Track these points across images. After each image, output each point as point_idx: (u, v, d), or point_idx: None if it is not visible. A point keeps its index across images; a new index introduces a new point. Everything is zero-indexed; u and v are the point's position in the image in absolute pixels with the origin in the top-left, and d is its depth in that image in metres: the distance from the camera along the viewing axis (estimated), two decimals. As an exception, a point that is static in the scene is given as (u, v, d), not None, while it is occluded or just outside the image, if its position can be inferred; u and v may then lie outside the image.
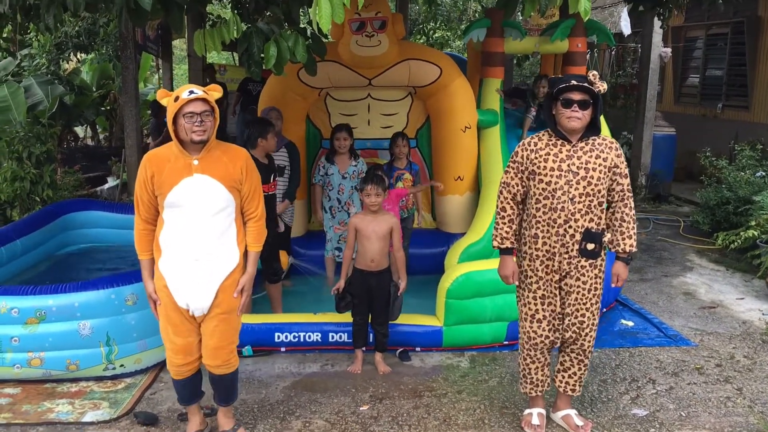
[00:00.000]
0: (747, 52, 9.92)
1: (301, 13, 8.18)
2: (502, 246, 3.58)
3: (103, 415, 3.85)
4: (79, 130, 12.66)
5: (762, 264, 6.04)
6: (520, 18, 7.98)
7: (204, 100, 3.16)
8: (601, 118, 4.25)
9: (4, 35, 10.45)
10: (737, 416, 3.94)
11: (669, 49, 10.34)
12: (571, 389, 3.74)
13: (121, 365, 4.25)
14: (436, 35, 15.86)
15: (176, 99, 3.15)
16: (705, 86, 11.23)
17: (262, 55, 4.09)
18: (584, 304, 3.54)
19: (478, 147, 5.96)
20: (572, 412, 3.79)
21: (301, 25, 4.51)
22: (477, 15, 14.16)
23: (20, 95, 8.11)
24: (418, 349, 4.74)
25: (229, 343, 3.44)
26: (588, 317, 3.56)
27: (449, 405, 4.04)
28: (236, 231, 3.38)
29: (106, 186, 9.36)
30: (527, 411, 3.82)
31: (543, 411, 3.80)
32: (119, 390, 4.16)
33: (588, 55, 9.38)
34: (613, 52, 12.36)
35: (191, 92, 3.15)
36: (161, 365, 4.44)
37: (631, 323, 5.32)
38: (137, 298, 4.21)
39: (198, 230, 3.26)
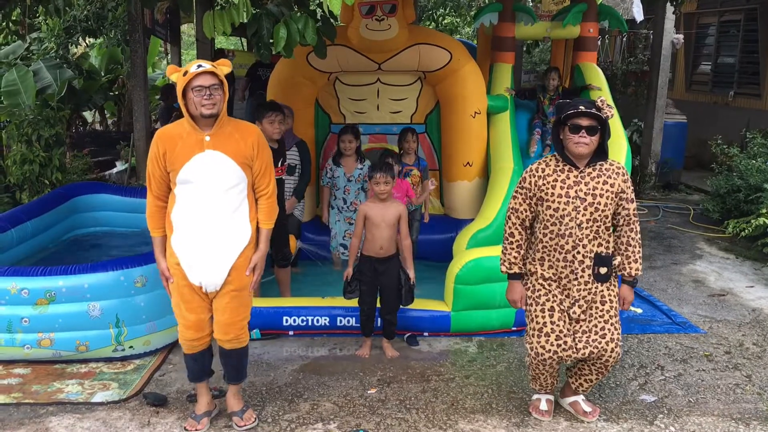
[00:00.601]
0: (760, 40, 9.82)
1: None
2: (510, 271, 3.57)
3: (112, 396, 3.88)
4: (88, 115, 12.67)
5: (772, 252, 6.01)
6: (531, 3, 7.92)
7: (212, 74, 3.17)
8: (612, 106, 4.21)
9: (14, 18, 10.44)
10: (746, 403, 3.92)
11: (681, 36, 10.23)
12: (583, 390, 3.73)
13: (131, 347, 4.27)
14: (446, 21, 15.77)
15: (185, 74, 3.15)
16: (717, 74, 11.13)
17: (272, 38, 4.07)
18: (601, 317, 3.47)
19: (487, 133, 5.93)
20: (580, 398, 3.78)
21: (311, 8, 4.47)
22: (486, 1, 14.06)
23: (29, 79, 8.12)
24: (426, 333, 4.74)
25: (240, 319, 3.47)
26: (609, 330, 3.47)
27: (457, 389, 4.04)
28: (248, 207, 3.39)
29: (115, 170, 9.39)
30: (535, 396, 3.82)
31: (551, 397, 3.80)
32: (128, 371, 4.18)
33: (599, 41, 9.29)
34: (624, 39, 12.25)
35: (199, 66, 3.16)
36: (170, 347, 4.46)
37: (639, 310, 5.30)
38: (146, 280, 4.22)
39: (210, 206, 3.27)
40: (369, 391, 3.99)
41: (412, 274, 4.42)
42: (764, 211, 6.51)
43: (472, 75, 5.82)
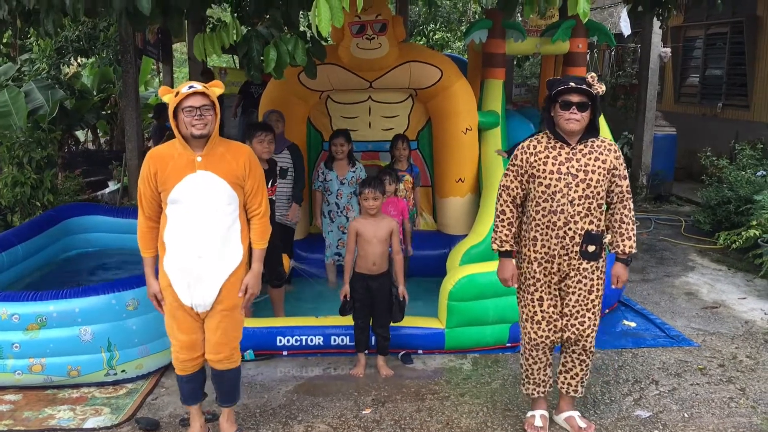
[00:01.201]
0: (746, 52, 9.91)
1: (301, 17, 8.18)
2: (502, 249, 3.58)
3: (104, 421, 3.85)
4: (80, 134, 12.67)
5: (764, 263, 6.03)
6: (520, 19, 7.98)
7: (203, 95, 3.18)
8: (602, 118, 4.24)
9: (5, 40, 10.46)
10: (740, 417, 3.93)
11: (668, 49, 10.33)
12: (573, 390, 3.73)
13: (123, 371, 4.24)
14: (436, 37, 15.87)
15: (177, 94, 3.17)
16: (705, 86, 11.22)
17: (262, 58, 4.09)
18: (585, 305, 3.53)
19: (479, 149, 5.96)
20: (575, 413, 3.78)
21: (301, 29, 4.50)
22: (477, 16, 14.16)
23: (21, 100, 8.11)
24: (420, 351, 4.73)
25: (231, 339, 3.46)
26: (589, 317, 3.55)
27: (452, 408, 4.03)
28: (240, 228, 3.39)
29: (107, 190, 9.36)
30: (530, 413, 3.81)
31: (546, 413, 3.79)
32: (121, 396, 4.15)
33: (588, 56, 9.37)
34: (612, 53, 12.35)
35: (191, 87, 3.18)
36: (162, 370, 4.43)
37: (633, 324, 5.31)
38: (138, 303, 4.20)
39: (202, 227, 3.27)
40: (364, 412, 3.97)
41: (402, 289, 4.41)
42: (754, 222, 6.54)
43: (463, 92, 5.85)
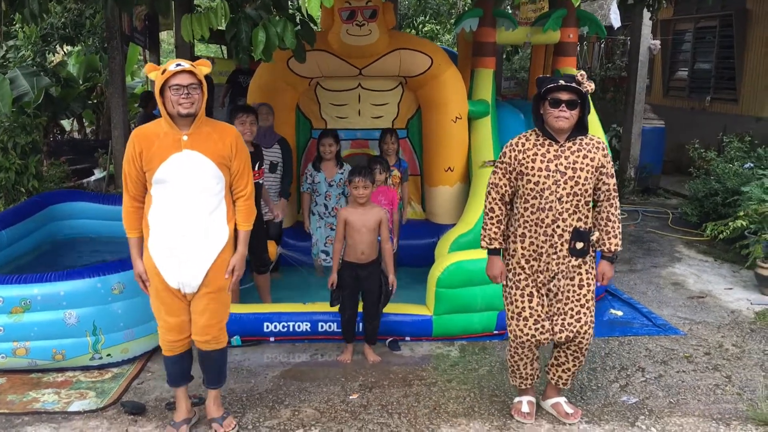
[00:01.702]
0: (735, 45, 9.96)
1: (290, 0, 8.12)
2: (491, 246, 3.57)
3: (89, 405, 3.81)
4: (66, 123, 12.53)
5: (750, 254, 6.06)
6: (510, 10, 7.96)
7: (191, 73, 3.15)
8: (593, 113, 4.21)
9: (-11, 26, 10.32)
10: (726, 403, 3.95)
11: (658, 42, 10.36)
12: (563, 383, 3.74)
13: (108, 355, 4.21)
14: (426, 29, 15.83)
15: (163, 72, 3.13)
16: (694, 79, 11.27)
17: (251, 42, 4.04)
18: (578, 301, 3.51)
19: (469, 138, 5.94)
20: (562, 399, 3.79)
21: (290, 12, 4.46)
22: (466, 8, 14.13)
23: (5, 86, 8.03)
24: (407, 338, 4.72)
25: (218, 320, 3.44)
26: (584, 314, 3.52)
27: (439, 393, 4.02)
28: (226, 208, 3.36)
29: (93, 178, 9.28)
30: (517, 399, 3.82)
31: (533, 399, 3.80)
32: (106, 380, 4.12)
33: (578, 47, 9.37)
34: (602, 45, 12.38)
35: (178, 65, 3.15)
36: (149, 354, 4.40)
37: (620, 313, 5.33)
38: (124, 287, 4.16)
39: (187, 207, 3.24)
40: (351, 397, 3.96)
41: (392, 278, 4.40)
42: (741, 213, 6.57)
43: (453, 80, 5.83)
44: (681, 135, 10.32)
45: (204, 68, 3.21)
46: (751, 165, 7.40)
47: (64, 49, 11.89)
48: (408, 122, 6.25)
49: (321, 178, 5.64)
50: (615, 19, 9.67)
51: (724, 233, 6.63)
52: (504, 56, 11.77)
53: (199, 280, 3.32)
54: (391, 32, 5.66)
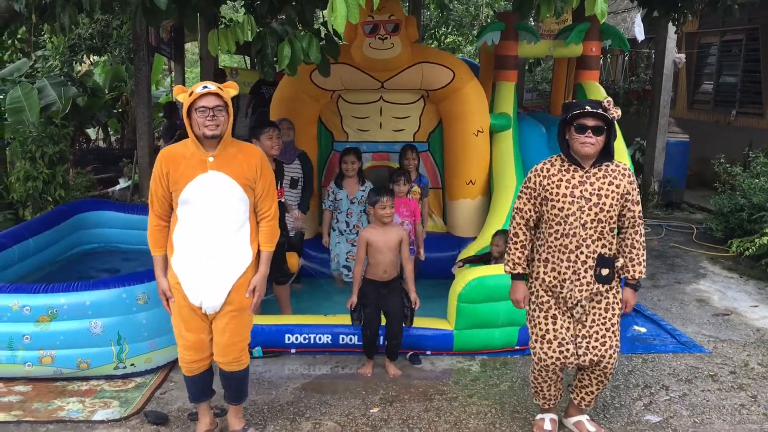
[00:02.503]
0: (761, 59, 9.86)
1: (315, 15, 8.19)
2: (514, 272, 3.55)
3: (113, 414, 3.85)
4: (91, 132, 12.73)
5: (776, 271, 5.99)
6: (532, 22, 7.96)
7: (217, 95, 3.18)
8: (618, 135, 4.13)
9: (19, 36, 10.53)
10: (751, 424, 3.89)
11: (683, 56, 10.28)
12: (585, 404, 3.70)
13: (132, 364, 4.25)
14: (448, 40, 15.86)
15: (191, 94, 3.18)
16: (719, 93, 11.17)
17: (276, 56, 4.09)
18: (603, 324, 3.46)
19: (490, 151, 5.94)
20: (584, 417, 3.75)
21: (315, 27, 4.50)
22: (489, 20, 14.15)
23: (34, 96, 8.15)
24: (428, 352, 4.71)
25: (240, 340, 3.44)
26: (609, 337, 3.47)
27: (460, 408, 4.01)
28: (249, 229, 3.38)
29: (118, 187, 9.40)
30: (539, 416, 3.79)
31: (555, 416, 3.77)
32: (129, 389, 4.16)
33: (601, 60, 9.34)
34: (626, 58, 12.31)
35: (205, 87, 3.19)
36: (171, 365, 4.44)
37: (643, 329, 5.27)
38: (148, 298, 4.21)
39: (211, 227, 3.26)
40: (371, 410, 3.96)
41: (414, 296, 4.40)
42: (767, 230, 6.49)
43: (475, 94, 5.84)
44: (705, 149, 10.22)
45: (231, 90, 3.24)
46: (778, 181, 7.31)
47: (91, 59, 12.08)
48: (429, 135, 6.26)
49: (343, 195, 5.65)
50: (639, 32, 9.63)
51: (750, 250, 6.55)
52: (526, 67, 11.78)
53: (221, 299, 3.33)
54: (413, 45, 5.69)
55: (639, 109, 11.23)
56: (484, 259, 4.98)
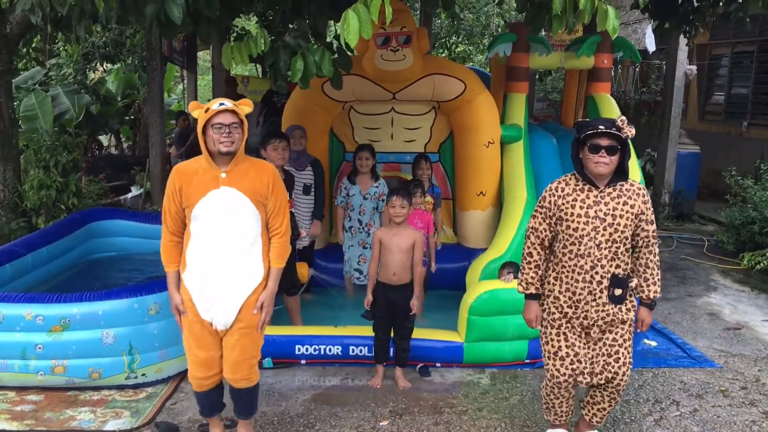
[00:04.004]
0: (773, 71, 9.83)
1: (328, 28, 8.24)
2: (527, 292, 3.54)
3: (124, 424, 3.87)
4: (103, 139, 12.82)
5: (788, 286, 5.95)
6: (543, 33, 7.97)
7: (233, 112, 3.20)
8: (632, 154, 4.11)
9: (34, 45, 10.63)
10: (764, 441, 3.87)
11: (694, 67, 10.26)
12: (597, 421, 3.69)
13: (143, 374, 4.28)
14: (459, 49, 15.88)
15: (206, 111, 3.20)
16: (730, 104, 11.14)
17: (289, 69, 4.12)
18: (616, 341, 3.45)
19: (501, 162, 5.95)
20: (595, 432, 3.74)
21: (328, 41, 4.53)
22: (500, 30, 14.18)
23: (47, 104, 8.23)
24: (438, 364, 4.71)
25: (249, 357, 3.44)
26: (623, 354, 3.46)
27: (469, 422, 4.00)
28: (261, 246, 3.39)
29: (130, 195, 9.47)
30: (549, 431, 3.78)
31: (565, 431, 3.75)
32: (141, 399, 4.18)
33: (612, 72, 9.34)
34: (637, 69, 12.29)
35: (221, 104, 3.20)
36: (182, 375, 4.45)
37: (654, 343, 5.25)
38: (160, 308, 4.23)
39: (223, 243, 3.28)
40: (381, 423, 3.96)
41: (414, 301, 4.38)
42: (780, 243, 6.46)
43: (486, 105, 5.85)
44: (717, 160, 10.18)
45: (246, 108, 3.26)
46: (790, 193, 7.27)
47: (104, 67, 12.19)
48: (440, 146, 6.27)
49: (356, 191, 5.67)
50: (650, 43, 9.63)
51: (762, 264, 6.52)
52: (537, 77, 11.77)
53: (232, 316, 3.34)
54: (425, 57, 5.71)
55: (650, 120, 11.21)
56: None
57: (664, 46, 10.50)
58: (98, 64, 11.39)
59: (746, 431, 3.97)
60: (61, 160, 6.95)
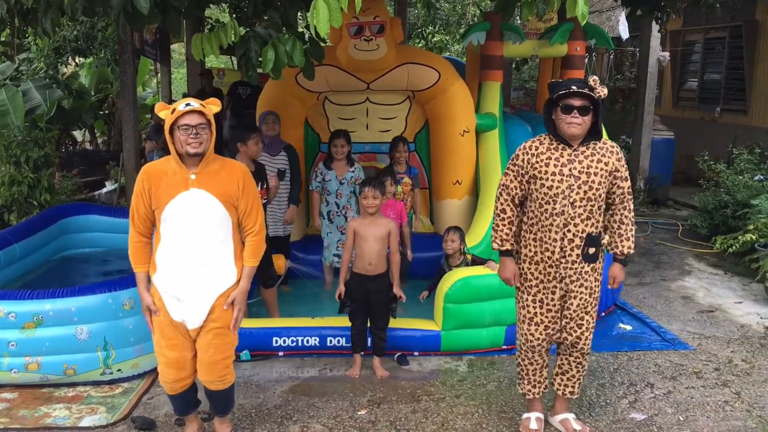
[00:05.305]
0: (745, 56, 9.95)
1: (299, 18, 8.18)
2: (502, 248, 3.57)
3: (100, 420, 3.84)
4: (78, 134, 12.65)
5: (760, 268, 6.04)
6: (518, 21, 7.99)
7: (200, 113, 3.13)
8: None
9: (2, 39, 10.45)
10: (735, 420, 3.93)
11: (667, 53, 10.35)
12: (569, 392, 3.74)
13: (119, 370, 4.24)
14: (435, 39, 15.88)
15: (173, 111, 3.14)
16: (703, 90, 11.25)
17: (260, 59, 4.09)
18: (584, 307, 3.53)
19: (476, 151, 5.96)
20: (570, 416, 3.79)
21: (299, 29, 4.50)
22: (476, 19, 14.18)
23: (18, 99, 8.09)
24: (416, 353, 4.73)
25: (223, 357, 3.39)
26: (587, 320, 3.56)
27: (447, 409, 4.03)
28: (233, 247, 3.33)
29: (104, 190, 9.35)
30: (525, 415, 3.82)
31: (541, 415, 3.80)
32: (116, 395, 4.15)
33: (586, 59, 9.39)
34: (611, 56, 12.38)
35: (187, 105, 3.13)
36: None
37: (629, 327, 5.31)
38: (134, 303, 4.20)
39: (193, 245, 3.22)
40: (359, 413, 3.97)
41: (397, 290, 4.41)
42: (751, 227, 6.56)
43: (461, 94, 5.86)
44: (691, 146, 10.30)
45: (213, 107, 3.19)
46: (761, 177, 7.38)
47: (77, 61, 12.00)
48: (416, 136, 6.28)
49: (332, 176, 5.66)
50: (623, 31, 9.68)
51: (734, 247, 6.62)
52: (513, 66, 11.82)
53: (203, 315, 3.28)
54: (398, 46, 5.70)
55: (624, 107, 11.30)
56: (440, 274, 4.99)
57: (637, 34, 10.58)
58: (70, 58, 11.20)
59: (719, 411, 4.04)
60: (32, 155, 6.86)
